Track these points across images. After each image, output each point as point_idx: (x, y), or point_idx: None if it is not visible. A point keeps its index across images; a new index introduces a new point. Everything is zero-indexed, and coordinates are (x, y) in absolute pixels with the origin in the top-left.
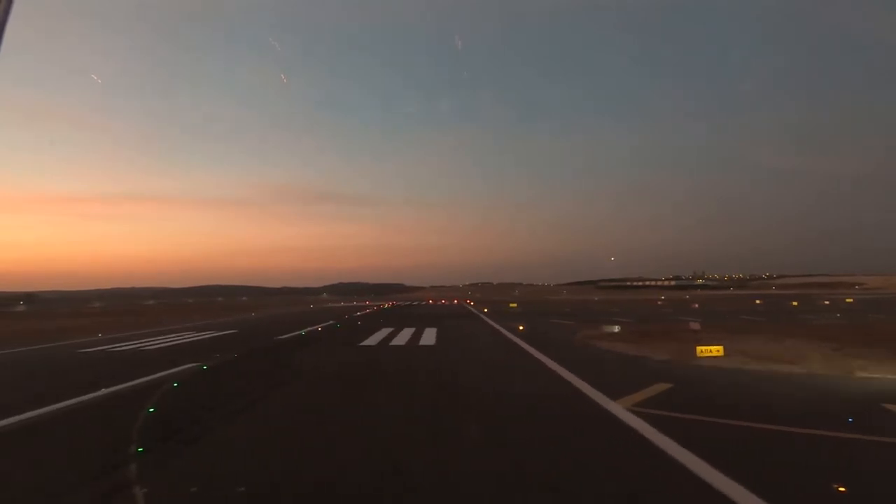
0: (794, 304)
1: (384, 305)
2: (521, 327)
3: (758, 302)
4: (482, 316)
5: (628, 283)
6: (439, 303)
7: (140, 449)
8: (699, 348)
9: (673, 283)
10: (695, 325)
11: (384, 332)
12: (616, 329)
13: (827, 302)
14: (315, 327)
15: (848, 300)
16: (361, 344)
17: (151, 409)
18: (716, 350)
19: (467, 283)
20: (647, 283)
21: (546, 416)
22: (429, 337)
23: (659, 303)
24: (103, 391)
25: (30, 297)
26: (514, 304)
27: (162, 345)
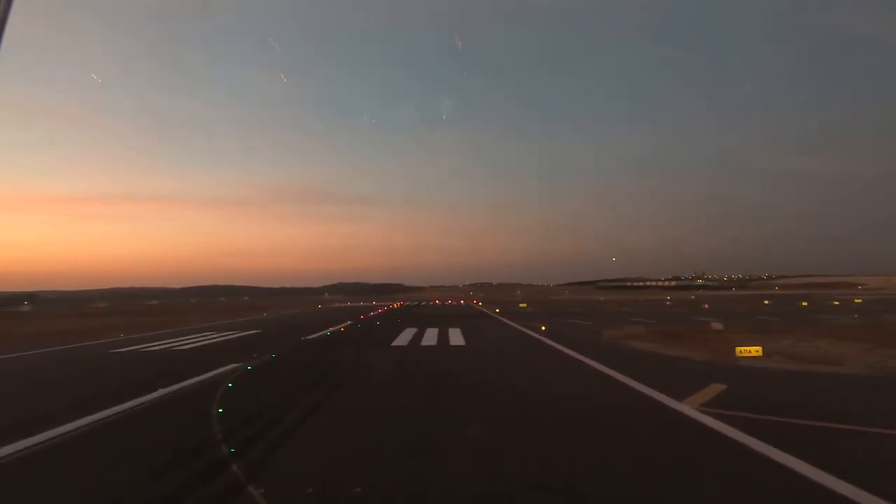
0: (804, 304)
1: (393, 306)
2: (543, 328)
3: (766, 303)
4: (498, 316)
5: (628, 284)
6: (446, 303)
7: (232, 449)
8: (738, 349)
9: (673, 283)
10: (717, 326)
11: (409, 332)
12: (641, 329)
13: (837, 302)
14: (337, 327)
15: (857, 300)
16: (393, 344)
17: (220, 410)
18: (755, 351)
19: (467, 283)
20: (648, 283)
21: (623, 420)
22: (456, 337)
23: (668, 303)
24: (161, 391)
25: (30, 298)
26: (524, 305)
27: (192, 345)
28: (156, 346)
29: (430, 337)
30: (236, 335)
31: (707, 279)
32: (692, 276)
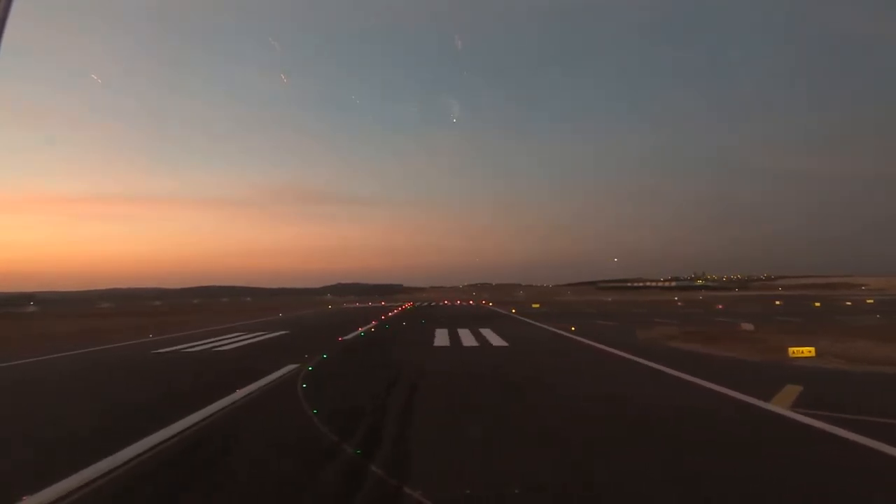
0: (817, 304)
1: (404, 306)
2: (572, 328)
3: (777, 303)
4: (519, 317)
5: (629, 284)
6: (455, 304)
7: (358, 451)
8: (791, 349)
9: (673, 284)
10: (747, 327)
11: (442, 333)
12: (673, 330)
13: (849, 303)
14: (366, 328)
15: (869, 301)
16: (435, 345)
17: (315, 411)
18: (807, 351)
19: (466, 283)
20: (648, 283)
21: (729, 423)
22: (493, 338)
23: (679, 304)
24: (242, 391)
25: (28, 299)
26: (537, 305)
27: (231, 346)
28: (196, 348)
29: (467, 338)
30: (267, 336)
31: (707, 280)
32: (692, 277)
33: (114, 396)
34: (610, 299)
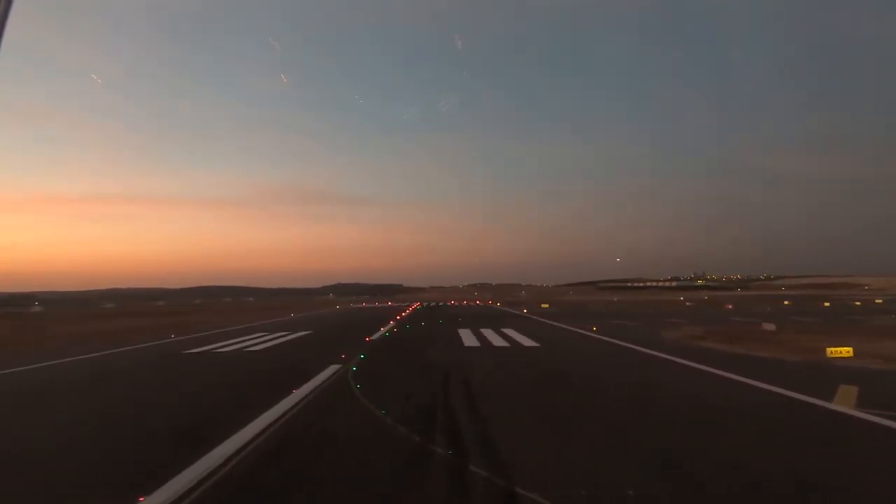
0: (827, 304)
1: (414, 307)
2: (594, 328)
3: (786, 303)
4: (533, 317)
5: (629, 284)
6: (461, 303)
7: (449, 451)
8: (829, 350)
9: (674, 284)
10: (769, 327)
11: (465, 332)
12: (696, 330)
13: (858, 303)
14: (388, 328)
15: (877, 301)
16: (466, 345)
17: (383, 411)
18: (845, 351)
19: (467, 283)
20: (648, 283)
21: (799, 423)
22: (521, 338)
23: (688, 304)
24: (297, 392)
25: (29, 299)
26: (546, 305)
27: (261, 346)
28: (226, 348)
29: (493, 338)
30: (292, 336)
31: (707, 280)
32: (692, 277)
33: (181, 394)
34: (616, 299)
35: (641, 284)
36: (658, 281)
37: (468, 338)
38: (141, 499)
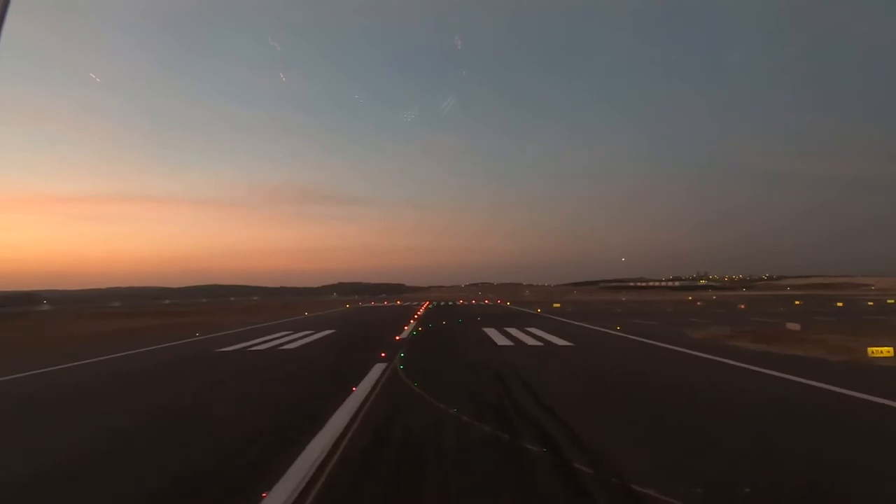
0: (840, 304)
1: (425, 305)
2: (618, 327)
3: (797, 303)
4: (552, 316)
5: (631, 284)
6: (471, 303)
7: (544, 449)
8: (870, 349)
9: (676, 283)
10: (793, 326)
11: (491, 331)
12: (723, 330)
13: (871, 303)
14: (412, 327)
15: (889, 301)
16: (499, 344)
17: (455, 410)
18: (886, 351)
19: (468, 283)
20: (651, 283)
21: (883, 423)
22: (551, 337)
23: (699, 304)
24: (358, 391)
25: (28, 298)
26: (558, 305)
27: (293, 345)
28: (260, 346)
29: (523, 337)
30: (320, 334)
31: (710, 280)
32: (693, 277)
33: (262, 382)
34: (624, 299)
35: (644, 284)
36: (660, 281)
37: (498, 337)
38: (264, 495)
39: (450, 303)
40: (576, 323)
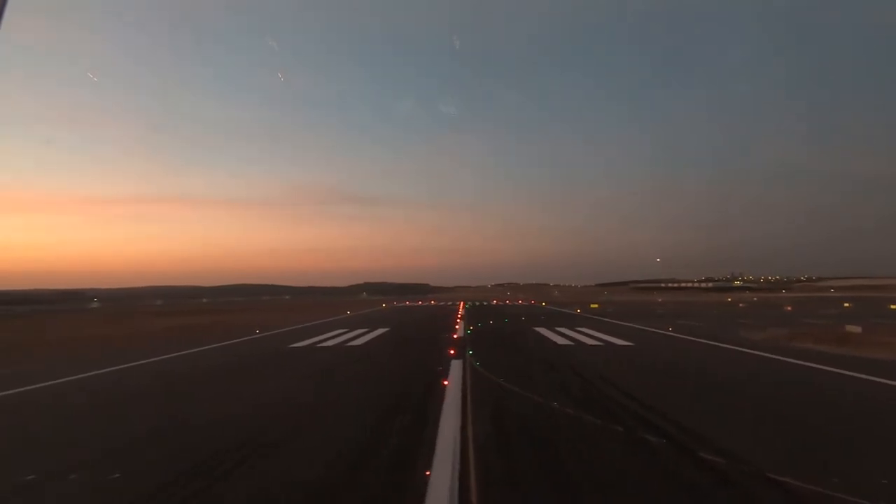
0: (893, 307)
1: (461, 305)
2: (669, 328)
3: (846, 305)
4: (596, 316)
5: (663, 285)
6: (505, 303)
7: (664, 440)
8: None
9: (709, 284)
10: (853, 328)
11: (544, 330)
12: (782, 331)
13: None
14: (464, 326)
15: None
16: (559, 343)
17: (555, 403)
18: None
19: (494, 283)
20: (683, 284)
21: None
22: (606, 337)
23: (741, 305)
24: (447, 383)
25: (79, 295)
26: (596, 305)
27: (356, 342)
28: (326, 343)
29: (578, 336)
30: (375, 332)
31: (744, 281)
32: (727, 278)
33: (375, 368)
34: (661, 300)
35: (676, 285)
36: (692, 281)
37: (553, 336)
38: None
39: (484, 303)
40: (623, 323)
